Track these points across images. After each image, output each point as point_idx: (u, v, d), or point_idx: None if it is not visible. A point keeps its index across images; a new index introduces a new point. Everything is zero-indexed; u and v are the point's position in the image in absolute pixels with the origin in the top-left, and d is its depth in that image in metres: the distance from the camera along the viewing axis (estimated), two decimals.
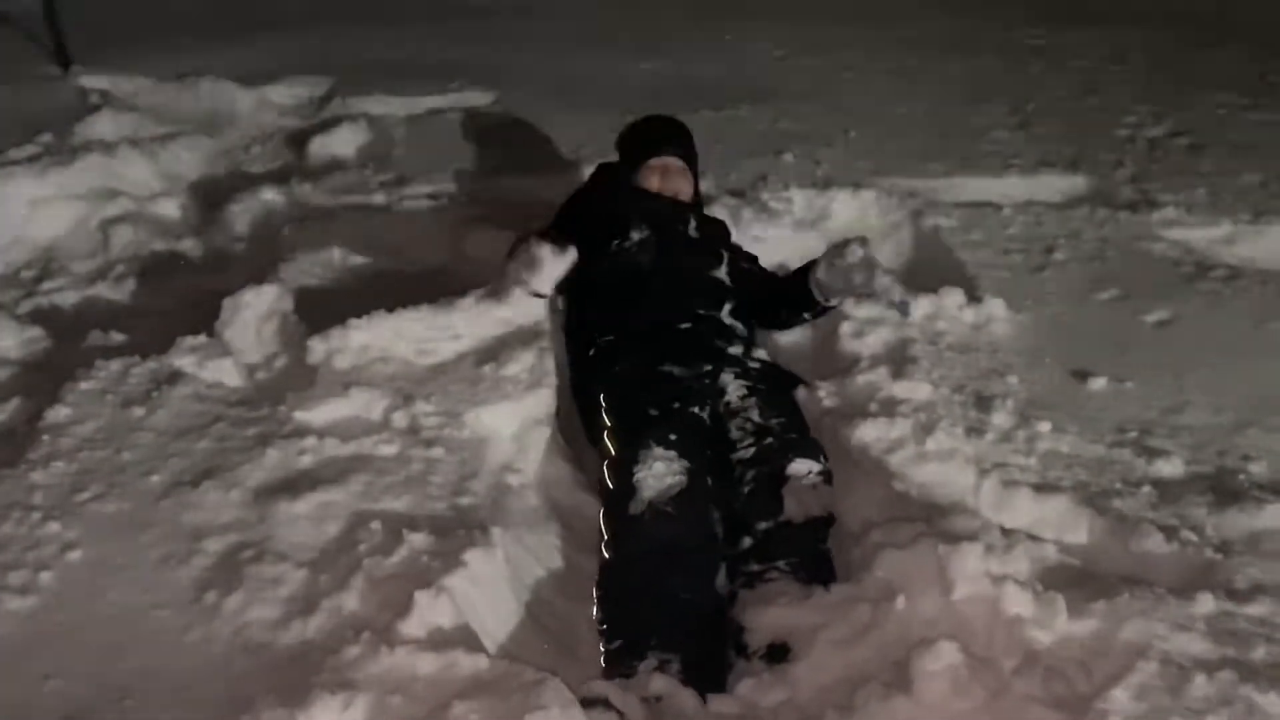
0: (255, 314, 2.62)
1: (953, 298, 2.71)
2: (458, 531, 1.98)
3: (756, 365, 2.36)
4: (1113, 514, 2.06)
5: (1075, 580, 1.90)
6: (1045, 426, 2.29)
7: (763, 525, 2.06)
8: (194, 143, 3.93)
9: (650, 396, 2.25)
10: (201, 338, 2.56)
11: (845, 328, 2.62)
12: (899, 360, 2.49)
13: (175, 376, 2.44)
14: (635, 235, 2.64)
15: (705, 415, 2.27)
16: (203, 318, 2.64)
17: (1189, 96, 4.21)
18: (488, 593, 1.91)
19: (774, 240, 3.14)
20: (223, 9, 5.55)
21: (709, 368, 2.35)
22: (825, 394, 2.39)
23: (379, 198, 3.42)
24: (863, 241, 2.52)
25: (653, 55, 4.78)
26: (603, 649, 1.90)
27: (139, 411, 2.33)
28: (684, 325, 2.49)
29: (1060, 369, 2.53)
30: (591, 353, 2.50)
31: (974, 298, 2.74)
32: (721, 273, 2.65)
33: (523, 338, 2.56)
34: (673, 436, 2.12)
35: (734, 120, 4.05)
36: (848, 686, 1.74)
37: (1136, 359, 2.57)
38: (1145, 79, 4.44)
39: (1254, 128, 3.93)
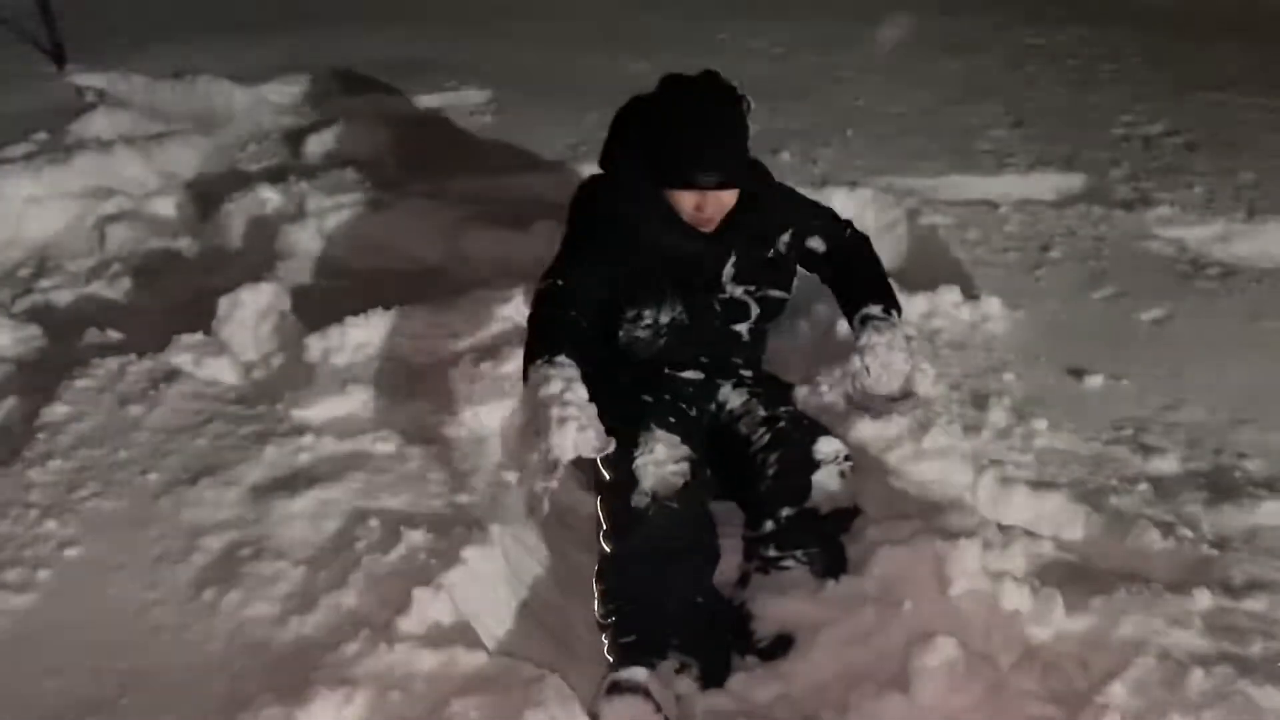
0: (252, 312, 2.62)
1: (949, 296, 2.71)
2: (456, 529, 1.98)
3: (750, 374, 2.32)
4: (1109, 510, 2.07)
5: (1072, 576, 1.91)
6: (1042, 424, 2.30)
7: (786, 511, 2.02)
8: (190, 141, 3.93)
9: (645, 389, 2.22)
10: (198, 336, 2.56)
11: (844, 326, 2.61)
12: None
13: (172, 375, 2.43)
14: (664, 317, 2.19)
15: (703, 414, 2.26)
16: (199, 316, 2.65)
17: (1184, 95, 4.22)
18: (486, 590, 1.91)
19: None
20: (218, 7, 5.54)
21: (703, 376, 2.31)
22: (826, 388, 2.39)
23: (375, 196, 3.41)
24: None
25: (649, 54, 4.76)
26: (607, 640, 1.88)
27: (136, 410, 2.33)
28: (689, 374, 2.26)
29: (1056, 366, 2.54)
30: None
31: (970, 296, 2.75)
32: (744, 327, 2.29)
33: (521, 336, 2.56)
34: (672, 419, 2.08)
35: None
36: (844, 684, 1.75)
37: (1132, 356, 2.58)
38: (1141, 78, 4.46)
39: (1249, 127, 3.94)
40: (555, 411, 1.81)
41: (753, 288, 2.26)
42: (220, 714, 1.65)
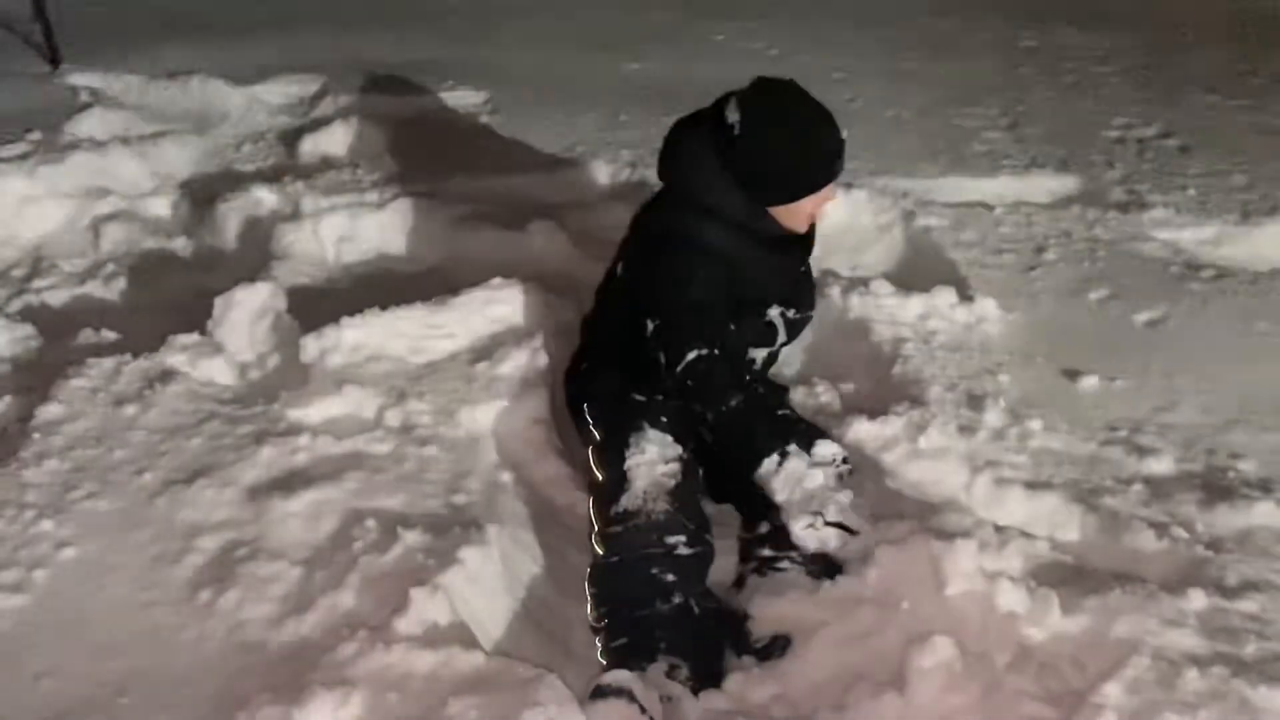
0: (247, 312, 2.62)
1: (944, 297, 2.72)
2: (453, 529, 1.99)
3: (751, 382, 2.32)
4: (1104, 511, 2.08)
5: (1068, 577, 1.92)
6: (1037, 425, 2.30)
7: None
8: (185, 141, 3.92)
9: (638, 388, 2.19)
10: (194, 336, 2.56)
11: (845, 323, 2.63)
12: (891, 359, 2.51)
13: (167, 375, 2.43)
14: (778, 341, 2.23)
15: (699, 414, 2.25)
16: (195, 316, 2.64)
17: (1178, 98, 4.24)
18: (483, 590, 1.91)
19: None
20: (213, 7, 5.53)
21: None
22: (821, 391, 2.40)
23: (371, 196, 3.41)
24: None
25: (645, 55, 4.78)
26: (600, 644, 1.89)
27: (131, 410, 2.32)
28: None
29: (1051, 368, 2.55)
30: (592, 373, 2.32)
31: (966, 297, 2.75)
32: (762, 353, 2.30)
33: (516, 336, 2.57)
34: (665, 419, 2.07)
35: None
36: (841, 684, 1.75)
37: (1127, 358, 2.59)
38: (1135, 81, 4.47)
39: (1242, 130, 3.95)
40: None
41: (789, 311, 2.24)
42: (217, 714, 1.65)
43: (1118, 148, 3.81)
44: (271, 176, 3.61)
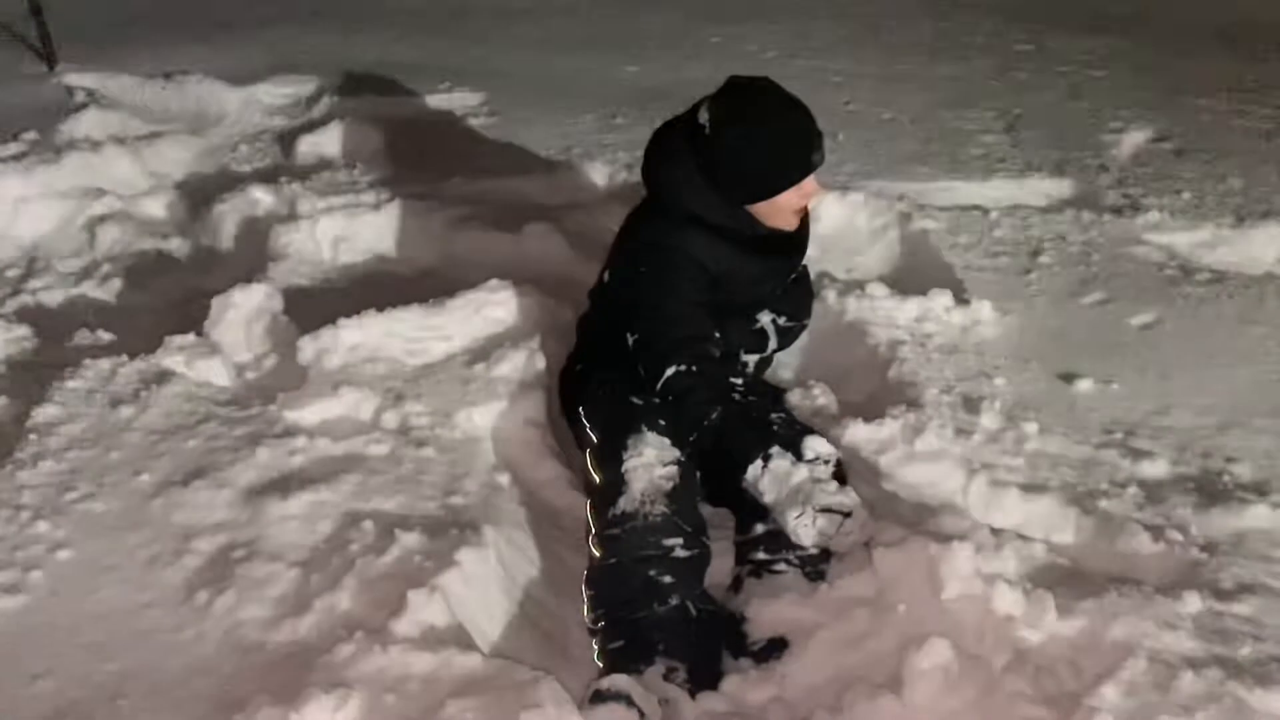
0: (244, 313, 2.62)
1: (941, 300, 2.72)
2: (450, 531, 1.99)
3: (741, 383, 2.32)
4: (1100, 514, 2.08)
5: (1064, 579, 1.92)
6: (1032, 427, 2.31)
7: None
8: (181, 141, 3.92)
9: (635, 391, 2.20)
10: (190, 337, 2.55)
11: (841, 325, 2.63)
12: (888, 362, 2.51)
13: (164, 376, 2.43)
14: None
15: None
16: (191, 317, 2.64)
17: (1173, 102, 4.25)
18: (480, 592, 1.91)
19: None
20: (210, 8, 5.52)
21: None
22: (818, 393, 2.40)
23: (368, 197, 3.41)
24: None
25: (641, 57, 4.78)
26: (597, 646, 1.89)
27: (128, 411, 2.32)
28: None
29: (1047, 371, 2.55)
30: (587, 374, 2.32)
31: (961, 300, 2.76)
32: (753, 359, 2.33)
33: (513, 337, 2.57)
34: (663, 422, 2.06)
35: None
36: (838, 686, 1.75)
37: (1122, 361, 2.59)
38: (1130, 85, 4.48)
39: (1236, 133, 3.96)
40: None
41: (781, 318, 2.25)
42: (214, 716, 1.64)
43: (1113, 151, 3.82)
44: (268, 177, 3.60)
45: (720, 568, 2.05)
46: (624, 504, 1.96)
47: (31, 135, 3.82)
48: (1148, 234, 3.19)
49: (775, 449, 1.93)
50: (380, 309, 2.59)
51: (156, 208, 3.50)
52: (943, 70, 4.68)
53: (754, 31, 5.15)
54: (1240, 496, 2.13)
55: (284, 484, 2.11)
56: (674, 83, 4.35)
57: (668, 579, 1.90)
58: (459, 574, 1.88)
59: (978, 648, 1.74)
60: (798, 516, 1.87)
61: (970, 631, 1.77)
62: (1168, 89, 4.40)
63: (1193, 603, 1.83)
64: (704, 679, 1.85)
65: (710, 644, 1.92)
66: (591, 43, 5.02)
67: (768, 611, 1.91)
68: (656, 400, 2.10)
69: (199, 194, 3.56)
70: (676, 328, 2.06)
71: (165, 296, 3.04)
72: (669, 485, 1.98)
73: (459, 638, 1.77)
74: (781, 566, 1.99)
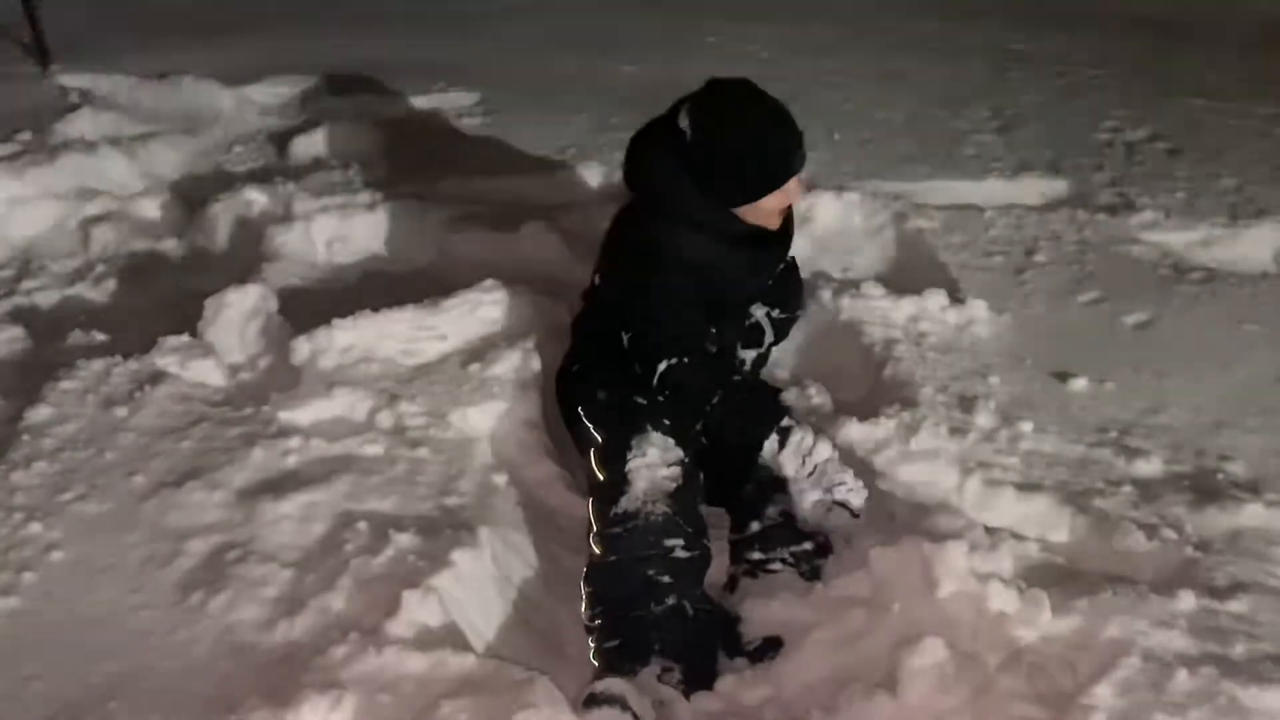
0: (238, 314, 2.61)
1: (935, 299, 2.73)
2: (445, 531, 1.98)
3: (737, 379, 2.32)
4: (1094, 513, 2.08)
5: (1058, 578, 1.92)
6: (1027, 426, 2.31)
7: (771, 512, 2.04)
8: (175, 142, 3.90)
9: (638, 390, 2.20)
10: (184, 338, 2.55)
11: (837, 325, 2.63)
12: (883, 361, 2.51)
13: (158, 376, 2.42)
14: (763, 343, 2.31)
15: None
16: (185, 318, 2.63)
17: (1167, 101, 4.26)
18: (475, 592, 1.91)
19: None
20: (204, 8, 5.51)
21: None
22: (813, 393, 2.40)
23: (363, 197, 3.40)
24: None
25: (637, 57, 4.78)
26: (593, 645, 1.89)
27: (121, 411, 2.32)
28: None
29: (1041, 370, 2.56)
30: (584, 375, 2.31)
31: (956, 299, 2.76)
32: (751, 354, 2.37)
33: (509, 337, 2.57)
34: (666, 422, 2.06)
35: None
36: (833, 685, 1.75)
37: (1116, 360, 2.60)
38: (1124, 84, 4.49)
39: (1230, 132, 3.98)
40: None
41: (774, 310, 2.28)
42: (207, 718, 1.64)
43: (1107, 150, 3.83)
44: (262, 177, 3.60)
45: (715, 567, 2.05)
46: (626, 503, 1.96)
47: (25, 135, 3.82)
48: (1142, 233, 3.20)
49: (789, 422, 1.94)
50: (375, 309, 2.58)
51: (151, 208, 3.49)
52: (937, 70, 4.69)
53: (750, 32, 5.15)
54: (1234, 495, 2.13)
55: (278, 485, 2.11)
56: (670, 83, 4.30)
57: (667, 579, 1.90)
58: (453, 574, 1.88)
59: (973, 647, 1.75)
60: (815, 501, 1.96)
61: (965, 630, 1.77)
62: (1162, 88, 4.41)
63: (1187, 601, 1.83)
64: (699, 679, 1.85)
65: (706, 644, 1.92)
66: (587, 43, 5.02)
67: (763, 611, 1.91)
68: (657, 398, 2.10)
69: (193, 194, 3.56)
70: (667, 325, 2.09)
71: (159, 297, 3.03)
72: (672, 485, 1.99)
73: (453, 638, 1.77)
74: (776, 566, 1.99)
